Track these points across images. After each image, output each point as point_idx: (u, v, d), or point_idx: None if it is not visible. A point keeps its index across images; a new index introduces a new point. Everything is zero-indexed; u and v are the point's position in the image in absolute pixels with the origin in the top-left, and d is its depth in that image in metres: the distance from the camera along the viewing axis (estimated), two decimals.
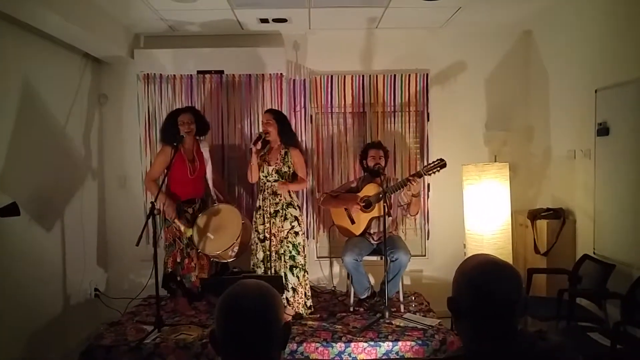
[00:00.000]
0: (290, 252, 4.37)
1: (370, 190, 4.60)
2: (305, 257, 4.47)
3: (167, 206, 4.38)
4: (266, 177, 4.43)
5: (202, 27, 5.02)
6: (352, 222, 4.65)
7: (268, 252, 4.35)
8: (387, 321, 4.23)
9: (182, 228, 4.35)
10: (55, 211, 4.41)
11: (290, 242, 4.38)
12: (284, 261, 4.36)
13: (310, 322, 4.29)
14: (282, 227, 4.37)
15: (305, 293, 4.45)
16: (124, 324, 4.34)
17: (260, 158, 4.44)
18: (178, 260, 4.48)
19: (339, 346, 3.87)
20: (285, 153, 4.46)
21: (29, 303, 3.93)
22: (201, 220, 4.44)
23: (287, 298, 4.35)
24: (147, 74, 5.13)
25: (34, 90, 4.11)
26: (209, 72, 5.15)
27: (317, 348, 3.89)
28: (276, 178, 4.41)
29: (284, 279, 4.28)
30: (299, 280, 4.39)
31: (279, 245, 4.37)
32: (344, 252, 4.48)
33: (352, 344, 3.88)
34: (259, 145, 4.39)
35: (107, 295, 5.05)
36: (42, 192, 4.20)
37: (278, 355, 1.58)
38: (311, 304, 4.52)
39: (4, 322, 3.58)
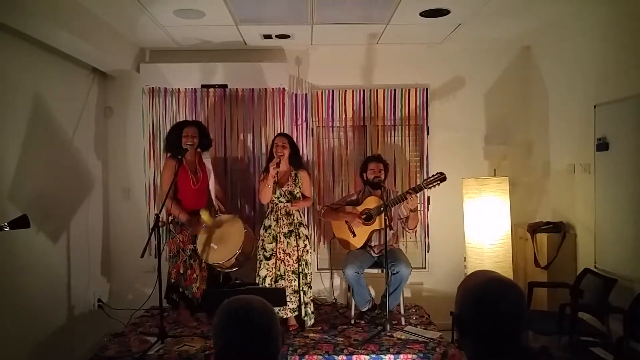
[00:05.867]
0: (305, 270, 4.48)
1: (370, 203, 4.64)
2: (311, 272, 4.62)
3: (181, 214, 4.46)
4: (278, 198, 4.50)
5: (207, 42, 5.10)
6: (353, 234, 4.67)
7: (280, 272, 4.41)
8: (389, 334, 4.26)
9: (202, 216, 4.34)
10: (61, 222, 4.46)
11: (304, 260, 4.49)
12: (302, 278, 4.47)
13: (312, 335, 4.32)
14: (298, 245, 4.47)
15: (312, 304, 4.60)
16: (128, 335, 4.37)
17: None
18: (181, 271, 4.51)
19: (340, 359, 3.89)
20: (296, 175, 4.56)
21: (34, 313, 3.96)
22: (204, 231, 4.48)
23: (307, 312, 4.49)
24: (152, 87, 5.21)
25: (43, 103, 4.18)
26: (213, 86, 5.22)
27: None
28: (289, 199, 4.51)
29: (301, 294, 4.43)
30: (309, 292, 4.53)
31: (296, 265, 4.45)
32: (345, 264, 4.51)
33: (354, 357, 3.89)
34: (279, 168, 4.46)
35: (110, 306, 5.07)
36: (50, 203, 4.24)
37: None
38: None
39: (9, 332, 3.61)
